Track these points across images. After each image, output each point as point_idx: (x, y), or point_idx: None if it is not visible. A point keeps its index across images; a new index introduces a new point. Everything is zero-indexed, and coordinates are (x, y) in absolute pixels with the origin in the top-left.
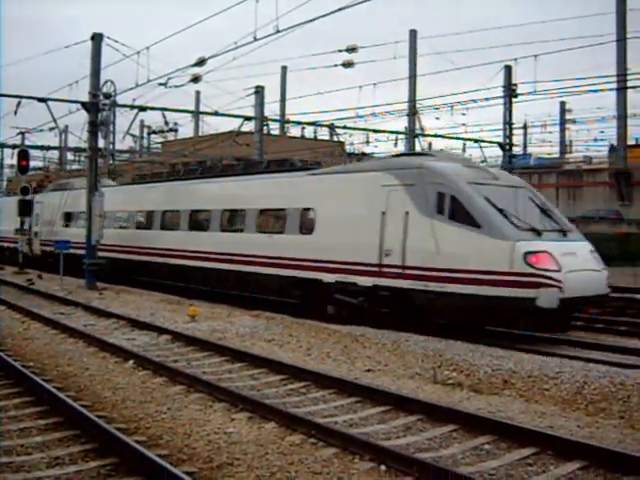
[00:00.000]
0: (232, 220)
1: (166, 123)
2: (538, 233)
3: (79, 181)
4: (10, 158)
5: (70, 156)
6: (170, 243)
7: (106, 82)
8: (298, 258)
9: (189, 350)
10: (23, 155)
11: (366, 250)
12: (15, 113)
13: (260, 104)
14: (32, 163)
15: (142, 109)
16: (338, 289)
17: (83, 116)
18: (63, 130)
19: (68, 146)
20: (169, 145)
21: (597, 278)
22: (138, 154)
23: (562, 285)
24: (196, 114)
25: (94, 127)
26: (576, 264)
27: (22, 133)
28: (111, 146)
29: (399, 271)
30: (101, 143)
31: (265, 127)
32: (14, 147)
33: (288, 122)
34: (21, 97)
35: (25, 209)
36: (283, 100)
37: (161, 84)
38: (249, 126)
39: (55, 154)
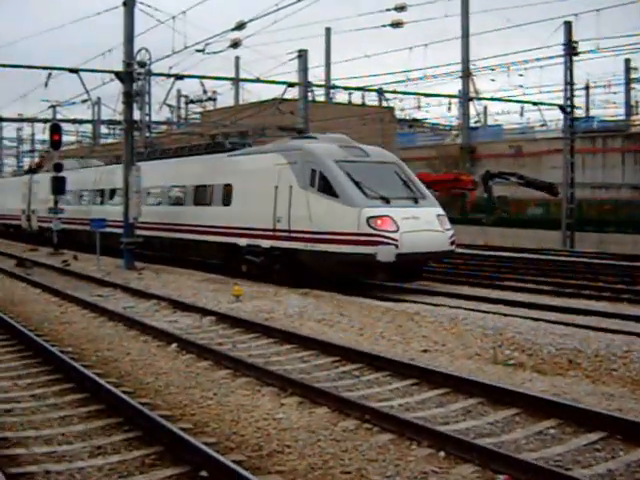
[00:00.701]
0: (177, 195)
1: (204, 92)
2: (387, 201)
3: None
4: (42, 133)
5: (104, 129)
6: (154, 217)
7: (140, 50)
8: (221, 226)
9: (234, 332)
10: (55, 129)
11: (265, 218)
12: (46, 85)
13: (304, 69)
14: (65, 138)
15: (179, 77)
16: (248, 251)
17: (117, 87)
18: (96, 102)
19: (102, 119)
20: (208, 115)
21: (437, 237)
22: (175, 125)
23: (398, 243)
24: (236, 81)
25: (129, 98)
26: (415, 226)
27: (53, 106)
28: (147, 118)
29: (287, 234)
30: (136, 115)
31: (309, 93)
32: (45, 121)
33: (334, 88)
34: (52, 68)
35: (59, 187)
36: (328, 64)
37: (198, 51)
38: (292, 93)
39: (88, 128)
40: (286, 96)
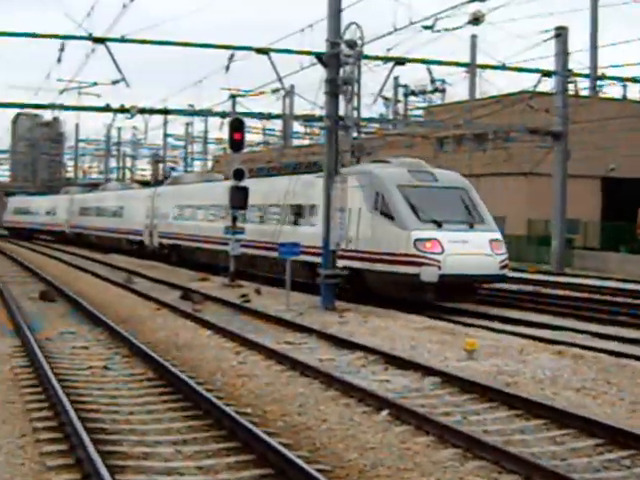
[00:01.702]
0: (273, 214)
1: (432, 81)
2: (438, 224)
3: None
4: (218, 130)
5: (297, 127)
6: (254, 236)
7: (349, 26)
8: (310, 246)
9: (465, 399)
10: (236, 126)
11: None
12: (226, 69)
13: (563, 53)
14: (247, 136)
15: (399, 62)
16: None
17: (317, 74)
18: (288, 92)
19: (294, 114)
20: (434, 112)
21: (485, 261)
22: (392, 124)
23: (441, 264)
24: (472, 68)
25: (334, 87)
26: (462, 249)
27: (233, 97)
28: (355, 113)
29: (355, 254)
30: (341, 110)
31: (570, 86)
32: (224, 115)
33: (602, 78)
34: (234, 48)
35: (239, 200)
36: (594, 47)
37: (426, 27)
38: (548, 85)
39: (278, 124)
40: (539, 88)
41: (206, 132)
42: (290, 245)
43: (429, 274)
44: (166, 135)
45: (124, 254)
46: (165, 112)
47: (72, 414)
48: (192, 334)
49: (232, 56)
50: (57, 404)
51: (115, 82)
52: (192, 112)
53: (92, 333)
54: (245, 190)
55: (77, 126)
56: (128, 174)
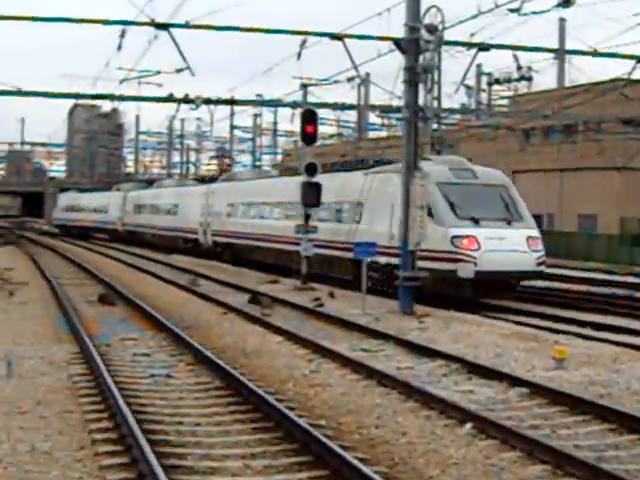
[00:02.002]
0: (320, 212)
1: (519, 68)
2: (476, 221)
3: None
4: (289, 121)
5: (373, 118)
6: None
7: (430, 9)
8: (356, 243)
9: (554, 411)
10: (309, 117)
11: (383, 236)
12: (298, 57)
13: None
14: (320, 129)
15: (483, 48)
16: (370, 267)
17: (394, 61)
18: (363, 80)
19: (369, 104)
20: (520, 101)
21: (521, 258)
22: (474, 115)
23: (477, 261)
24: (561, 54)
25: (413, 75)
26: (499, 246)
27: (305, 86)
28: (435, 103)
29: (397, 252)
30: (420, 100)
31: None
32: (294, 105)
33: None
34: (306, 34)
35: (312, 197)
36: None
37: (512, 10)
38: None
39: (352, 116)
40: (634, 76)
41: (275, 124)
42: (366, 245)
43: (466, 270)
44: (232, 127)
45: (179, 253)
46: (232, 102)
47: (133, 425)
48: (261, 340)
49: (304, 42)
50: (117, 414)
51: (179, 70)
52: (261, 102)
53: (154, 339)
54: (318, 186)
55: (137, 118)
56: (192, 169)
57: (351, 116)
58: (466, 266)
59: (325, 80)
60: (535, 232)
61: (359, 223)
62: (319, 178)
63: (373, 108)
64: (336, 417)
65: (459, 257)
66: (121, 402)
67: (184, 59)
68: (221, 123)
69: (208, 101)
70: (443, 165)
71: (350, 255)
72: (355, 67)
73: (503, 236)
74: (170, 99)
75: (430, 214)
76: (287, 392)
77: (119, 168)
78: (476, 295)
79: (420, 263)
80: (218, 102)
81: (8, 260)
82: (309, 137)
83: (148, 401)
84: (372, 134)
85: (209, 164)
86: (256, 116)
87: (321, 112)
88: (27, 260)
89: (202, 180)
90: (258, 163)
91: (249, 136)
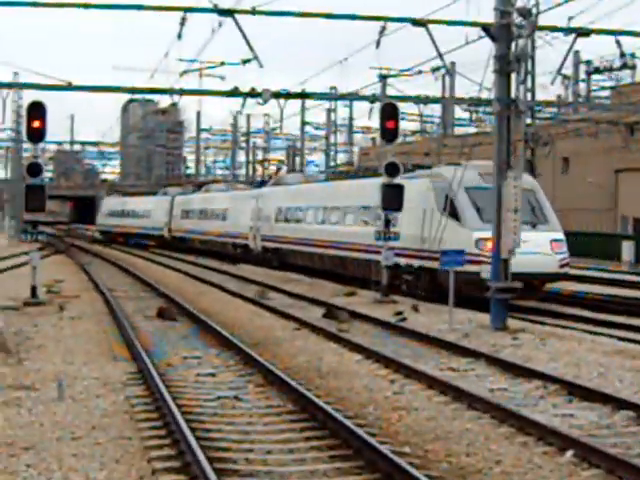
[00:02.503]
0: (355, 216)
1: (621, 55)
2: None
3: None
4: (366, 117)
5: (460, 112)
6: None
7: None
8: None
9: None
10: (389, 112)
11: (415, 239)
12: (377, 45)
13: None
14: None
15: (582, 33)
16: (405, 270)
17: (483, 50)
18: (448, 71)
19: (455, 96)
20: (624, 92)
21: (544, 260)
22: (572, 108)
23: None
24: None
25: (504, 65)
26: (522, 248)
27: (384, 77)
28: (529, 96)
29: (429, 254)
30: (512, 91)
31: None
32: (373, 99)
33: None
34: (386, 20)
35: (392, 199)
36: None
37: None
38: None
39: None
40: None
41: (351, 119)
42: (453, 254)
43: (488, 272)
44: (304, 123)
45: (226, 259)
46: (303, 96)
47: (198, 453)
48: (338, 359)
49: (383, 29)
50: (180, 441)
51: (245, 62)
52: (335, 96)
53: (220, 358)
54: (400, 188)
55: (199, 114)
56: (259, 169)
57: (435, 110)
58: (489, 267)
59: (407, 71)
60: (559, 235)
61: (393, 226)
62: (358, 183)
63: (459, 101)
64: (422, 444)
65: (482, 259)
66: (184, 427)
67: (251, 49)
68: (291, 119)
69: (277, 95)
70: (473, 170)
71: (374, 257)
72: (440, 56)
73: (527, 239)
74: (235, 93)
75: (457, 218)
76: (367, 416)
77: (178, 169)
78: (516, 298)
79: (436, 264)
80: (288, 96)
81: (58, 271)
82: (389, 134)
83: (214, 426)
84: (458, 130)
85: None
86: (330, 111)
87: (402, 106)
88: (78, 270)
89: (251, 183)
90: (332, 163)
91: (322, 133)
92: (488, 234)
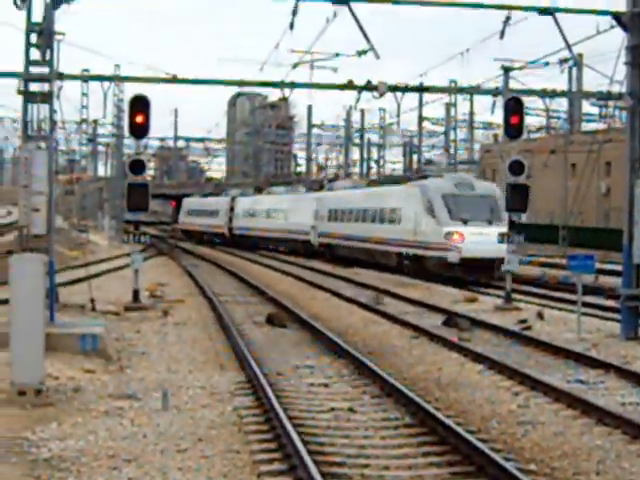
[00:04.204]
0: (374, 215)
1: None
2: (465, 222)
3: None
4: (489, 112)
5: (587, 107)
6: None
7: None
8: (398, 239)
9: None
10: (514, 106)
11: (410, 233)
12: (501, 36)
13: None
14: (526, 120)
15: None
16: (405, 257)
17: (616, 39)
18: (575, 63)
19: (583, 90)
20: None
21: (495, 247)
22: None
23: (461, 250)
24: None
25: (638, 57)
26: (479, 239)
27: (507, 70)
28: None
29: (418, 245)
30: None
31: None
32: (495, 93)
33: None
34: (511, 8)
35: (518, 200)
36: None
37: None
38: None
39: (562, 105)
40: None
41: (472, 114)
42: (583, 258)
43: (453, 257)
44: (421, 119)
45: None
46: (421, 90)
47: (311, 468)
48: (459, 369)
49: (508, 19)
50: (292, 455)
51: (361, 53)
52: (455, 90)
53: (333, 367)
54: (526, 188)
55: (310, 108)
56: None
57: (561, 105)
58: (453, 253)
59: (532, 63)
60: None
61: (399, 224)
62: (384, 189)
63: (588, 95)
64: (549, 461)
65: (449, 247)
66: (296, 440)
67: (367, 39)
68: (408, 114)
69: (394, 88)
70: (450, 181)
71: (389, 248)
72: (568, 47)
73: (483, 232)
74: (350, 86)
75: (433, 216)
76: (490, 431)
77: (288, 167)
78: (463, 275)
79: (429, 252)
80: (406, 89)
81: (161, 274)
82: (513, 130)
83: (327, 440)
84: (587, 126)
85: (393, 162)
86: (449, 106)
87: (526, 100)
88: (182, 274)
89: (310, 188)
90: (452, 161)
91: (441, 129)
92: (455, 229)
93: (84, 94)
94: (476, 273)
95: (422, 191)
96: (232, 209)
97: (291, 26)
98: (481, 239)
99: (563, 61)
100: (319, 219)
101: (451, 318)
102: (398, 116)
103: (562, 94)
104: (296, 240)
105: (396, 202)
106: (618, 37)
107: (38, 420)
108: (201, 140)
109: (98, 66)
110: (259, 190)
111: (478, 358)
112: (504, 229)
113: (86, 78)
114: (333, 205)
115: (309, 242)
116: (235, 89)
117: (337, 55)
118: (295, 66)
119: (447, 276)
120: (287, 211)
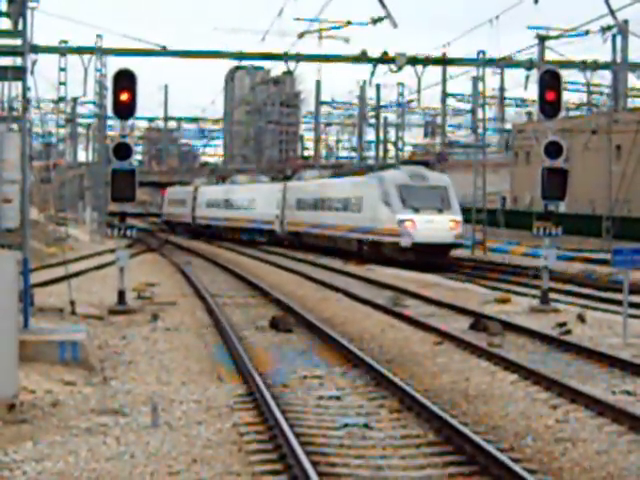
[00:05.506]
0: (336, 205)
1: None
2: (416, 210)
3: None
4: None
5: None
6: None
7: None
8: (360, 226)
9: None
10: (550, 81)
11: (369, 221)
12: (535, 1)
13: None
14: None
15: None
16: (365, 242)
17: None
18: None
19: (629, 61)
20: None
21: (444, 233)
22: None
23: (413, 235)
24: None
25: None
26: (429, 226)
27: (542, 39)
28: None
29: (377, 231)
30: None
31: None
32: (530, 65)
33: None
34: None
35: (555, 186)
36: None
37: None
38: None
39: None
40: None
41: (502, 90)
42: (630, 252)
43: (405, 242)
44: (446, 95)
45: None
46: (445, 62)
47: None
48: (489, 379)
49: None
50: (299, 478)
51: (376, 21)
52: (483, 62)
53: (346, 377)
54: (564, 173)
55: (318, 84)
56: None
57: (604, 78)
58: (405, 239)
59: (570, 31)
60: (457, 217)
61: (359, 212)
62: (341, 180)
63: (634, 67)
64: None
65: (401, 233)
66: (304, 461)
67: (383, 5)
68: (430, 90)
69: (414, 61)
70: (404, 172)
71: (351, 235)
72: (611, 13)
73: (433, 220)
74: (364, 58)
75: (388, 205)
76: (525, 449)
77: (294, 150)
78: (415, 259)
79: (386, 238)
80: (427, 62)
81: (150, 272)
82: (550, 107)
83: (340, 460)
84: (633, 102)
85: (414, 145)
86: (476, 80)
87: (564, 74)
88: (174, 272)
89: (275, 178)
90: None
91: (467, 107)
92: (407, 216)
93: (62, 69)
94: (429, 257)
95: (379, 182)
96: (195, 199)
97: None
98: (431, 226)
99: (606, 29)
100: (287, 208)
101: (479, 321)
102: (419, 92)
103: (605, 66)
104: (261, 230)
105: (358, 192)
106: None
107: (11, 439)
108: (195, 120)
109: (78, 37)
110: (223, 179)
111: (511, 367)
112: (454, 217)
113: (64, 51)
114: (301, 195)
115: (273, 232)
116: (233, 62)
117: (349, 23)
118: (301, 36)
119: (402, 260)
120: (250, 200)
